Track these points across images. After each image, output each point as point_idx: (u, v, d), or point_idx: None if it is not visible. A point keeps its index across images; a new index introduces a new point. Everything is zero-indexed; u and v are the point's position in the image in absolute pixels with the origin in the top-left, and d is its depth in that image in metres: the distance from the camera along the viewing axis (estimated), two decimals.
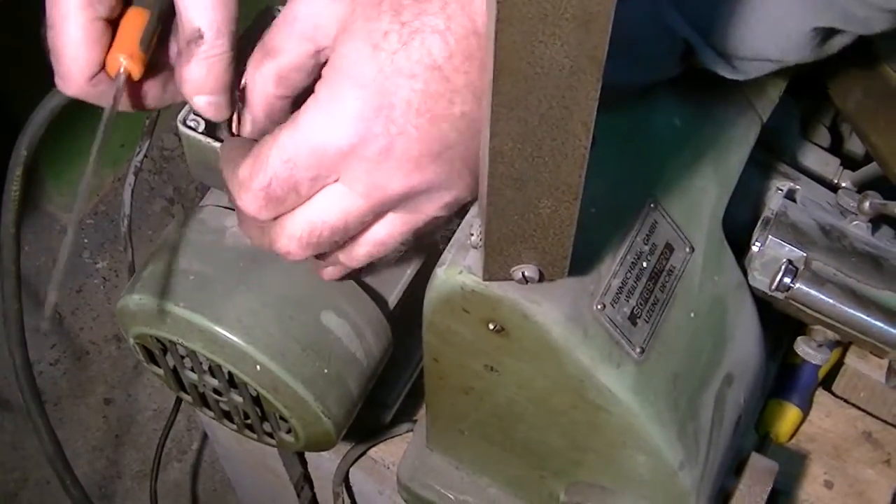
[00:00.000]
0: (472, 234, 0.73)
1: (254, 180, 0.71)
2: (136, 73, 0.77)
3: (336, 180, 0.70)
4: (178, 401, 1.44)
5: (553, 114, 0.56)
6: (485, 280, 0.72)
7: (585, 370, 0.76)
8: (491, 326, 0.76)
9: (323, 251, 0.76)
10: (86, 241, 2.06)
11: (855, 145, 1.13)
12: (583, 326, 0.75)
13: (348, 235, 0.75)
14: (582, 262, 0.74)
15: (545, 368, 0.78)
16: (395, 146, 0.67)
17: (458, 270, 0.74)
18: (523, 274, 0.69)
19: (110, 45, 0.78)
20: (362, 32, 0.67)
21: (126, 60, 0.77)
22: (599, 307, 0.76)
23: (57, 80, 0.80)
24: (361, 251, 0.78)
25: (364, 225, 0.74)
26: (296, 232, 0.73)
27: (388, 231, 0.75)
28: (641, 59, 0.83)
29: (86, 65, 0.77)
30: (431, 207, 0.73)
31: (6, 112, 1.82)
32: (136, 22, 0.78)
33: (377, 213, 0.73)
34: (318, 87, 0.69)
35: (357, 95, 0.67)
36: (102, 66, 0.78)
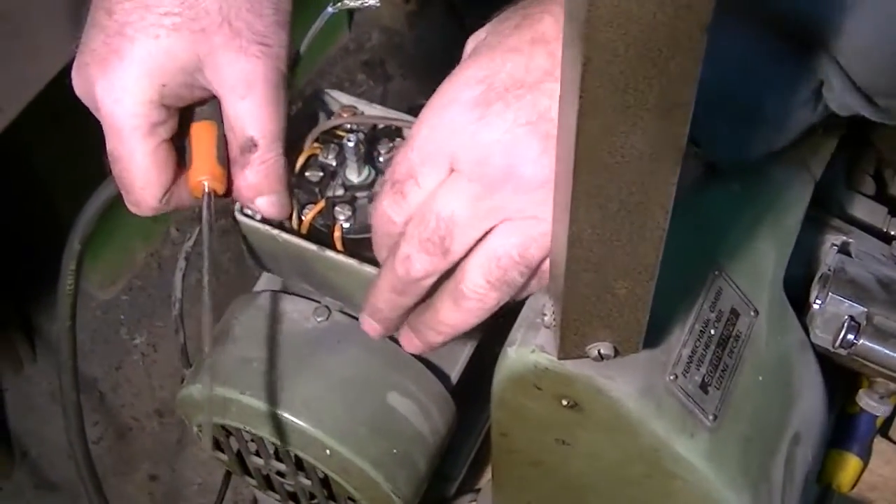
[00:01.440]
0: (544, 314, 0.74)
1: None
2: (221, 189, 0.78)
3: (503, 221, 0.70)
4: (227, 477, 1.44)
5: (632, 199, 0.57)
6: (560, 359, 0.72)
7: (661, 441, 0.76)
8: (564, 402, 0.76)
9: (512, 289, 0.74)
10: (122, 317, 2.07)
11: None
12: (656, 398, 0.75)
13: (531, 264, 0.72)
14: (652, 334, 0.74)
15: (619, 441, 0.78)
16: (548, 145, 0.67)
17: (531, 349, 0.74)
18: (599, 352, 0.70)
19: (176, 163, 0.79)
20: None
21: (209, 181, 0.77)
22: (672, 378, 0.76)
23: (130, 206, 0.81)
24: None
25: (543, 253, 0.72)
26: (480, 267, 0.72)
27: None
28: (777, 120, 0.83)
29: (158, 189, 0.78)
30: None
31: (47, 199, 1.84)
32: (206, 137, 0.79)
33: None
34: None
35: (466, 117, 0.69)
36: (173, 182, 0.79)
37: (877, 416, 1.11)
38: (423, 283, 0.74)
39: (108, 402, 1.99)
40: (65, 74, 1.18)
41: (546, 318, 0.73)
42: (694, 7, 0.47)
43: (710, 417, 0.77)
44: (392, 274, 0.74)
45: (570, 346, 0.70)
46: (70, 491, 1.88)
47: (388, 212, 0.73)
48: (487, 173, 0.68)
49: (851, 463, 1.10)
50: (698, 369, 0.78)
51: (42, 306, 1.99)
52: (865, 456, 1.11)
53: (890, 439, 1.14)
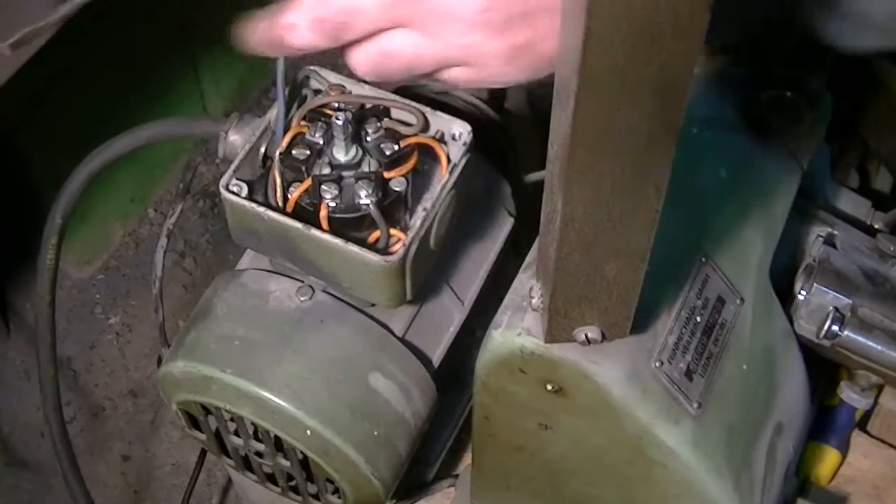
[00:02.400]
0: (532, 297, 0.73)
1: None
2: None
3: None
4: (201, 457, 1.43)
5: (626, 179, 0.56)
6: (547, 342, 0.71)
7: (644, 427, 0.76)
8: (549, 387, 0.76)
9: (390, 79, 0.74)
10: (97, 296, 2.05)
11: (883, 184, 1.13)
12: (642, 385, 0.74)
13: (415, 73, 0.72)
14: (639, 319, 0.73)
15: (603, 426, 0.77)
16: None
17: (517, 332, 0.74)
18: (586, 336, 0.69)
19: None
20: None
21: None
22: (657, 364, 0.75)
23: None
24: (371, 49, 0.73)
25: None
26: (366, 58, 0.71)
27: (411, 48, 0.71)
28: None
29: None
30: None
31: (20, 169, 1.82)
32: None
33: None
34: None
35: None
36: None
37: (856, 409, 1.11)
38: (296, 52, 0.72)
39: (82, 381, 1.97)
40: (47, 51, 1.17)
41: (534, 301, 0.73)
42: None
43: (695, 405, 0.77)
44: (267, 31, 0.71)
45: (557, 329, 0.69)
46: (41, 469, 1.87)
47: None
48: None
49: (830, 455, 1.10)
50: (684, 356, 0.77)
51: (16, 283, 1.97)
52: (844, 449, 1.12)
53: (868, 433, 1.14)
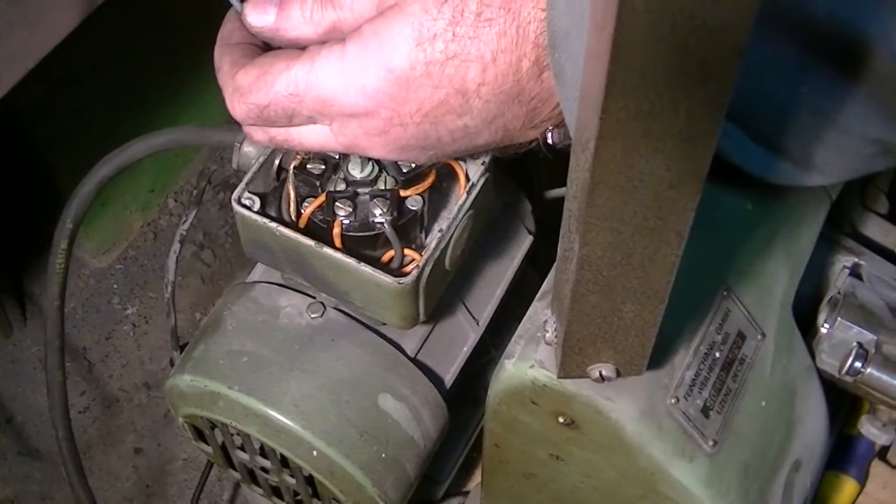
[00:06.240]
0: (546, 330, 0.71)
1: (253, 95, 0.71)
2: None
3: (328, 123, 0.72)
4: None
5: (648, 224, 0.54)
6: (559, 378, 0.69)
7: (658, 465, 0.74)
8: (561, 420, 0.74)
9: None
10: (115, 286, 2.04)
11: None
12: (656, 421, 0.72)
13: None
14: (656, 354, 0.71)
15: (615, 461, 0.75)
16: (390, 131, 0.70)
17: (529, 364, 0.72)
18: (601, 373, 0.67)
19: None
20: (415, 21, 0.66)
21: None
22: (673, 401, 0.73)
23: None
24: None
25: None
26: (274, 135, 0.76)
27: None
28: None
29: None
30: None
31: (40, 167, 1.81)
32: None
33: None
34: (350, 39, 0.69)
35: (381, 76, 0.67)
36: None
37: None
38: None
39: (97, 372, 1.97)
40: (66, 44, 1.16)
41: (548, 335, 0.71)
42: (729, 30, 0.44)
43: (710, 443, 0.75)
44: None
45: (570, 365, 0.67)
46: (53, 459, 1.86)
47: (238, 113, 0.73)
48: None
49: (848, 486, 1.08)
50: (701, 393, 0.75)
51: (35, 272, 1.97)
52: (862, 479, 1.09)
53: (888, 463, 1.12)
